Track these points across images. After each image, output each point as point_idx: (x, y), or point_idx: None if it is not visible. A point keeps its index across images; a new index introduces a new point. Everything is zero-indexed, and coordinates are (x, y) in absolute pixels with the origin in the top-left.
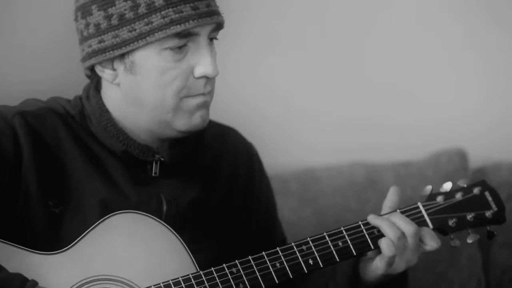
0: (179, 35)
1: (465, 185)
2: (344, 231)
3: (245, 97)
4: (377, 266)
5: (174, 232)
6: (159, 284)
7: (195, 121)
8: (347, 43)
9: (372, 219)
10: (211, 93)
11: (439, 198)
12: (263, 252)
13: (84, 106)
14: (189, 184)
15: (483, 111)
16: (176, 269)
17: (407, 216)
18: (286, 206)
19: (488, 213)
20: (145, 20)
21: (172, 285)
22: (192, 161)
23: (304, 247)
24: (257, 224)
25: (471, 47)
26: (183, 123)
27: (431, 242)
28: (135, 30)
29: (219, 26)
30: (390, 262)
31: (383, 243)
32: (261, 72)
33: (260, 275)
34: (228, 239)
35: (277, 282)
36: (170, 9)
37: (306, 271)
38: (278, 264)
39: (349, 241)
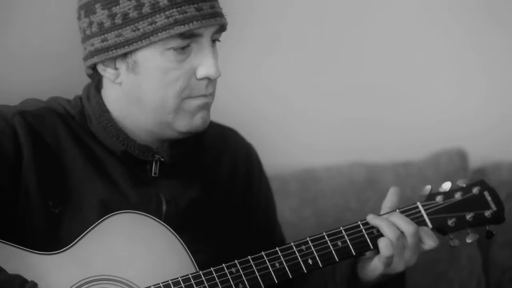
0: (182, 35)
1: (464, 185)
2: (343, 231)
3: (245, 97)
4: (375, 266)
5: (174, 232)
6: (159, 284)
7: (196, 122)
8: (347, 43)
9: (371, 219)
10: (212, 94)
11: (438, 198)
12: (263, 252)
13: (84, 106)
14: (189, 184)
15: (483, 111)
16: (176, 269)
17: (407, 216)
18: (286, 207)
19: (487, 213)
20: (149, 19)
21: (172, 285)
22: (191, 162)
23: (303, 247)
24: (257, 225)
25: (471, 47)
26: (184, 124)
27: (429, 241)
28: (138, 29)
29: (222, 28)
30: (389, 262)
31: (381, 243)
32: (261, 72)
33: (259, 275)
34: (228, 240)
35: (276, 282)
36: (175, 9)
37: (305, 271)
38: (277, 264)
39: (348, 241)
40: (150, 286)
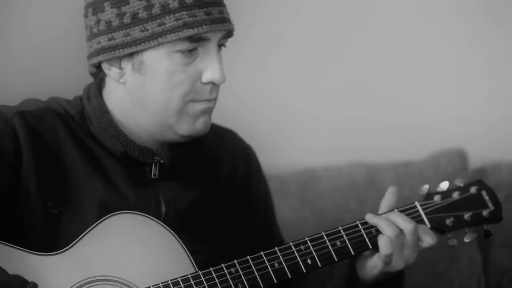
0: (191, 38)
1: (462, 184)
2: (342, 231)
3: (245, 97)
4: (375, 264)
5: (173, 232)
6: (158, 284)
7: (198, 126)
8: (347, 43)
9: (370, 218)
10: (215, 99)
11: (436, 198)
12: (262, 252)
13: (84, 107)
14: (188, 185)
15: (483, 111)
16: (175, 269)
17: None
18: (286, 207)
19: (485, 212)
20: (158, 21)
21: (171, 285)
22: (191, 163)
23: (302, 247)
24: (256, 226)
25: (471, 47)
26: (185, 128)
27: (428, 239)
28: (147, 30)
29: (229, 33)
30: (388, 260)
31: (381, 241)
32: (260, 72)
33: (258, 275)
34: (227, 240)
35: (275, 282)
36: (184, 12)
37: (304, 271)
38: (276, 264)
39: (347, 241)
40: (150, 287)
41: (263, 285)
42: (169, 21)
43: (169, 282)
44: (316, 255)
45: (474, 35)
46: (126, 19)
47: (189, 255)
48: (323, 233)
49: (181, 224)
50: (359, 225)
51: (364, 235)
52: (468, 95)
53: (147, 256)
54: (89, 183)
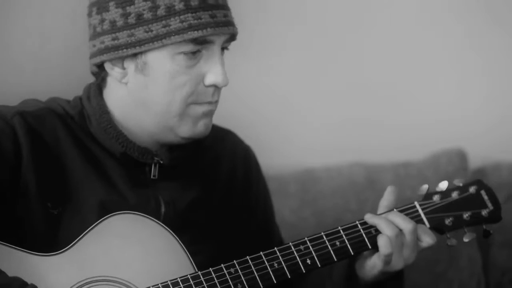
0: (195, 41)
1: (461, 184)
2: (341, 231)
3: (245, 98)
4: (374, 264)
5: (172, 233)
6: (158, 284)
7: (199, 128)
8: (347, 43)
9: (369, 217)
10: (217, 102)
11: (436, 197)
12: (261, 252)
13: (84, 107)
14: (188, 186)
15: (483, 111)
16: (174, 270)
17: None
18: (285, 207)
19: (484, 212)
20: (163, 22)
21: (171, 286)
22: (191, 164)
23: (301, 247)
24: (255, 226)
25: (471, 47)
26: (186, 130)
27: (427, 238)
28: (151, 31)
29: (233, 37)
30: (388, 260)
31: (380, 240)
32: (260, 72)
33: (258, 275)
34: (227, 241)
35: (275, 282)
36: (189, 14)
37: (304, 271)
38: (276, 264)
39: (346, 241)
40: (149, 287)
41: (262, 285)
42: (174, 23)
43: (169, 282)
44: (316, 255)
45: (474, 35)
46: (131, 20)
47: (189, 255)
48: (322, 233)
49: (180, 225)
50: (359, 225)
51: (364, 235)
52: (468, 95)
53: (147, 257)
54: (88, 184)
